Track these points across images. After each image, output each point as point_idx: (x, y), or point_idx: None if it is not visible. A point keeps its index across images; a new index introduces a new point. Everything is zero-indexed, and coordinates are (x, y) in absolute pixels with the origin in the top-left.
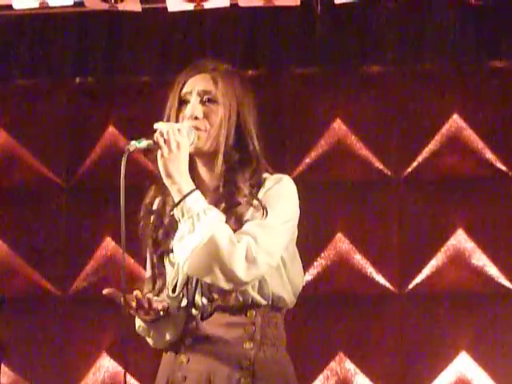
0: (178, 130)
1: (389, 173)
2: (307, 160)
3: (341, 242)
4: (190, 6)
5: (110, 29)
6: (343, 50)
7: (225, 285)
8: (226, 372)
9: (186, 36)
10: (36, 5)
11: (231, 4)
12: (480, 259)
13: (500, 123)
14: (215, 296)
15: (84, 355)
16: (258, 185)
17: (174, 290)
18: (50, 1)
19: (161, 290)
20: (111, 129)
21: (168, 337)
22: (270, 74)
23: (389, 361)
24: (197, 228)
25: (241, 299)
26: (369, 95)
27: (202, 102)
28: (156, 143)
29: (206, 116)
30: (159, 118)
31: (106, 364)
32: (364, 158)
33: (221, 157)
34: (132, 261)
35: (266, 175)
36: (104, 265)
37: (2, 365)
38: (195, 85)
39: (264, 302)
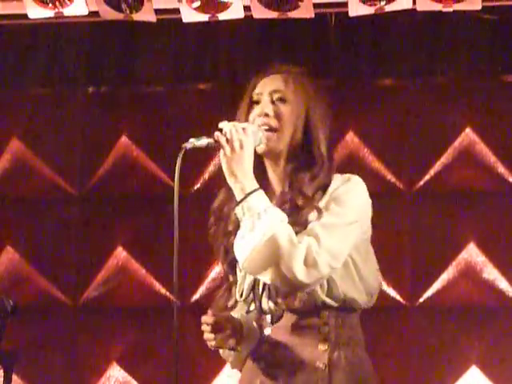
0: (243, 129)
1: (401, 186)
2: None
3: None
4: (205, 17)
5: (124, 39)
6: (356, 62)
7: (283, 285)
8: (302, 376)
9: (200, 47)
10: (51, 14)
11: (245, 16)
12: (491, 273)
13: None
14: (279, 300)
15: (94, 365)
16: (324, 186)
17: (241, 295)
18: (65, 10)
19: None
20: (124, 138)
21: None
22: None
23: (399, 373)
24: (257, 227)
25: (307, 302)
26: (381, 108)
27: (273, 101)
28: (217, 142)
29: (276, 115)
30: (171, 128)
31: (116, 374)
32: (376, 170)
33: (284, 156)
34: (143, 271)
35: (336, 175)
36: (115, 274)
37: (13, 374)
38: (266, 85)
39: (335, 304)
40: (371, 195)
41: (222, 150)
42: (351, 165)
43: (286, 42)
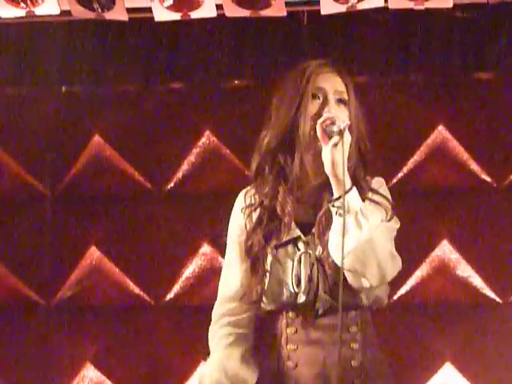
0: (345, 116)
1: None
2: None
3: None
4: (177, 16)
5: (97, 38)
6: (329, 60)
7: (373, 282)
8: (338, 374)
9: (172, 46)
10: (23, 13)
11: (218, 14)
12: (465, 270)
13: (485, 135)
14: (337, 293)
15: (68, 365)
16: (367, 182)
17: (297, 285)
18: (37, 10)
19: (263, 288)
20: (97, 138)
21: None
22: (256, 85)
23: None
24: (363, 225)
25: (359, 296)
26: None
27: (336, 102)
28: (340, 133)
29: (341, 117)
30: (145, 127)
31: (90, 374)
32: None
33: (352, 159)
34: (117, 270)
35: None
36: (89, 274)
37: None
38: (330, 83)
39: (367, 303)
40: None
41: (334, 138)
42: None
43: (259, 41)
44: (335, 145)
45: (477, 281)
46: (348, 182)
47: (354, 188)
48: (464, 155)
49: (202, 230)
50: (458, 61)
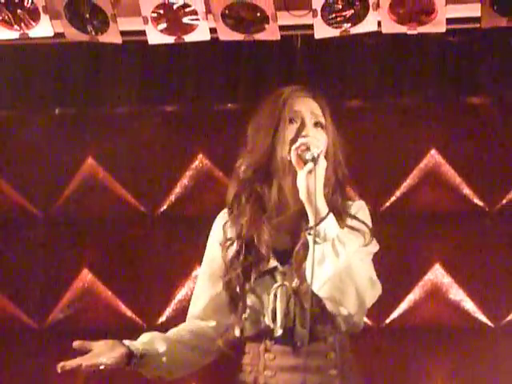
0: (320, 141)
1: (367, 207)
2: None
3: None
4: (171, 39)
5: (90, 60)
6: (322, 84)
7: (351, 309)
8: None
9: (166, 69)
10: (16, 36)
11: (212, 38)
12: (457, 294)
13: (477, 159)
14: (314, 326)
15: None
16: (344, 208)
17: (273, 320)
18: (31, 32)
19: (246, 320)
20: (90, 160)
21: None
22: (250, 108)
23: None
24: (340, 252)
25: (338, 326)
26: (347, 130)
27: (313, 125)
28: (316, 158)
29: (318, 141)
30: (138, 150)
31: None
32: None
33: (328, 184)
34: (109, 293)
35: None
36: (81, 297)
37: None
38: (306, 106)
39: (344, 329)
40: None
41: (308, 165)
42: None
43: (253, 65)
44: (310, 171)
45: (469, 305)
46: (324, 209)
47: (331, 215)
48: (456, 179)
49: (194, 253)
50: (451, 85)
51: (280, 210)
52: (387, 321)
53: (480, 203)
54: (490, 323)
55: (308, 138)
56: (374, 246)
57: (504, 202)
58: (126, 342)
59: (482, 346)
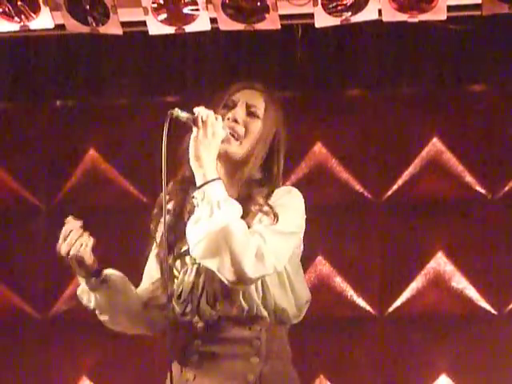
0: (216, 118)
1: (369, 196)
2: (288, 183)
3: (321, 266)
4: (171, 30)
5: (91, 52)
6: (323, 73)
7: (229, 275)
8: None
9: (167, 59)
10: (17, 28)
11: (212, 28)
12: (460, 282)
13: (479, 147)
14: (217, 304)
15: (64, 379)
16: (267, 197)
17: (179, 296)
18: (31, 24)
19: (172, 295)
20: (92, 152)
21: (122, 317)
22: None
23: (369, 383)
24: (215, 213)
25: (245, 308)
26: (349, 119)
27: (247, 113)
28: (195, 121)
29: (245, 126)
30: (140, 141)
31: None
32: (344, 181)
33: (247, 170)
34: None
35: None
36: None
37: None
38: (245, 96)
39: (266, 314)
40: (340, 205)
41: (194, 130)
42: (319, 176)
43: (253, 54)
44: (196, 137)
45: (472, 292)
46: (211, 174)
47: (219, 181)
48: (458, 167)
49: None
50: (452, 73)
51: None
52: (390, 309)
53: (482, 191)
54: (492, 310)
55: (201, 108)
56: (289, 226)
57: (506, 189)
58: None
59: (485, 333)
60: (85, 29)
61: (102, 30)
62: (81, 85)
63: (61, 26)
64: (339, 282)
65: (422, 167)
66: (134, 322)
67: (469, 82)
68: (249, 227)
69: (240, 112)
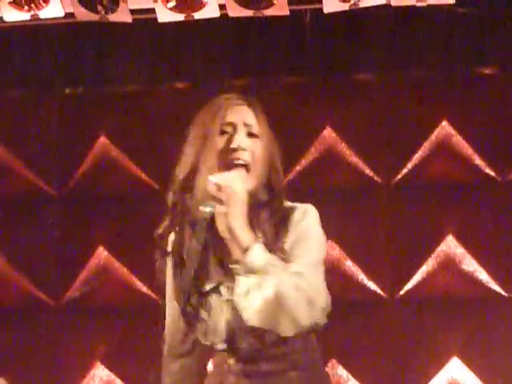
0: (234, 178)
1: (379, 180)
2: (298, 168)
3: (332, 249)
4: (180, 17)
5: (100, 39)
6: (332, 58)
7: (288, 333)
8: None
9: (176, 46)
10: (27, 17)
11: (221, 14)
12: (470, 264)
13: (488, 129)
14: (257, 340)
15: (78, 364)
16: (282, 219)
17: (215, 335)
18: (41, 13)
19: (194, 340)
20: (102, 139)
21: None
22: (260, 83)
23: (381, 366)
24: (264, 281)
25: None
26: (358, 103)
27: (247, 135)
28: (220, 202)
29: (251, 151)
30: (149, 127)
31: (100, 373)
32: (354, 165)
33: (256, 194)
34: (125, 270)
35: (289, 204)
36: (97, 274)
37: None
38: (239, 116)
39: (305, 331)
40: (350, 189)
41: (219, 207)
42: (329, 160)
43: (262, 40)
44: (223, 214)
45: (482, 275)
46: (247, 241)
47: (257, 245)
48: (468, 150)
49: None
50: (461, 56)
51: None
52: (401, 292)
53: (492, 173)
54: (503, 293)
55: (218, 178)
56: (320, 253)
57: None
58: None
59: (496, 315)
60: (94, 17)
61: (112, 17)
62: (90, 72)
63: (70, 15)
64: (350, 265)
65: (432, 150)
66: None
67: (478, 65)
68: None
69: (243, 137)
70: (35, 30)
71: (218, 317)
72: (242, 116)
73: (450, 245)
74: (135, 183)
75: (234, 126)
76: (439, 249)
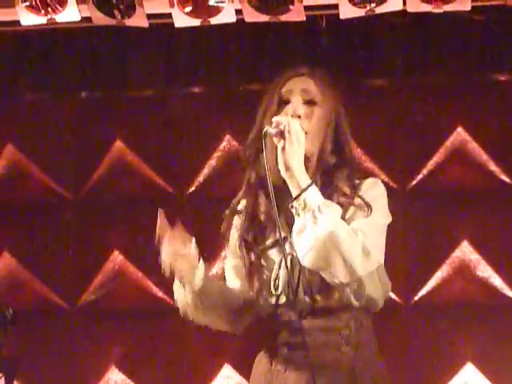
0: (294, 122)
1: (394, 185)
2: None
3: None
4: (197, 22)
5: (117, 43)
6: (348, 64)
7: (342, 278)
8: (326, 379)
9: (192, 50)
10: (44, 21)
11: (237, 19)
12: (485, 271)
13: (503, 136)
14: (317, 296)
15: (93, 368)
16: (353, 187)
17: (276, 288)
18: (58, 17)
19: (260, 291)
20: (118, 143)
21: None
22: None
23: (395, 372)
24: (319, 220)
25: (340, 299)
26: (373, 108)
27: (304, 102)
28: (282, 134)
29: (307, 116)
30: (166, 132)
31: (115, 377)
32: (370, 170)
33: (315, 159)
34: (140, 274)
35: (357, 181)
36: (112, 278)
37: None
38: (297, 85)
39: (357, 304)
40: None
41: (281, 142)
42: None
43: (278, 45)
44: (283, 148)
45: (497, 281)
46: (305, 181)
47: (313, 186)
48: (483, 156)
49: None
50: (477, 63)
51: (274, 184)
52: (416, 298)
53: (507, 179)
54: None
55: (279, 117)
56: (383, 218)
57: None
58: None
59: (511, 321)
60: (111, 21)
61: (128, 22)
62: (107, 76)
63: (87, 19)
64: None
65: (447, 156)
66: (225, 320)
67: (493, 72)
68: (343, 219)
69: (298, 105)
70: (51, 34)
71: (277, 270)
72: (301, 84)
73: (464, 251)
74: (150, 187)
75: (291, 92)
76: (454, 255)
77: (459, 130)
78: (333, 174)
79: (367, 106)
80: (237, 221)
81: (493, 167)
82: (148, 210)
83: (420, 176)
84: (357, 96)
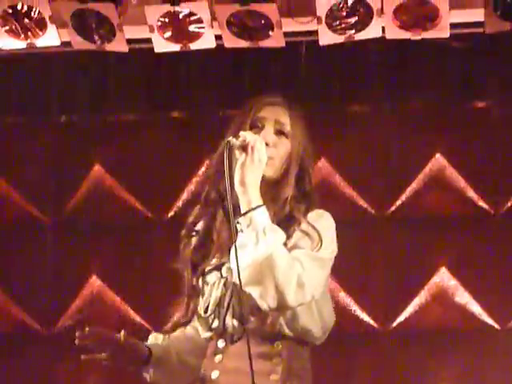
0: (260, 141)
1: (373, 211)
2: None
3: None
4: (177, 47)
5: (97, 68)
6: (327, 89)
7: (270, 303)
8: None
9: (172, 75)
10: (23, 45)
11: (217, 45)
12: (463, 297)
13: (482, 162)
14: (249, 320)
15: None
16: (295, 215)
17: (205, 311)
18: (38, 41)
19: (193, 312)
20: (97, 167)
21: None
22: None
23: None
24: (261, 241)
25: (267, 328)
26: (353, 134)
27: (275, 132)
28: (244, 148)
29: (275, 145)
30: (146, 157)
31: None
32: (348, 196)
33: (282, 191)
34: (118, 299)
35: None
36: (90, 303)
37: None
38: (271, 114)
39: (291, 334)
40: (344, 220)
41: (242, 156)
42: (323, 191)
43: (258, 70)
44: (243, 163)
45: (475, 307)
46: (256, 201)
47: (263, 208)
48: (461, 183)
49: None
50: (455, 89)
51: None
52: (394, 324)
53: (485, 206)
54: (496, 325)
55: (247, 132)
56: (327, 252)
57: (509, 204)
58: (145, 343)
59: (489, 348)
60: (91, 46)
61: (108, 47)
62: (86, 101)
63: (67, 43)
64: (343, 296)
65: (426, 183)
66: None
67: (471, 99)
68: (289, 246)
69: (269, 133)
70: (31, 57)
71: (210, 293)
72: (276, 115)
73: (442, 277)
74: (129, 212)
75: (264, 121)
76: (432, 281)
77: (438, 156)
78: (292, 205)
79: (346, 132)
80: (194, 241)
81: (471, 194)
82: (127, 236)
83: (399, 202)
84: (336, 122)
